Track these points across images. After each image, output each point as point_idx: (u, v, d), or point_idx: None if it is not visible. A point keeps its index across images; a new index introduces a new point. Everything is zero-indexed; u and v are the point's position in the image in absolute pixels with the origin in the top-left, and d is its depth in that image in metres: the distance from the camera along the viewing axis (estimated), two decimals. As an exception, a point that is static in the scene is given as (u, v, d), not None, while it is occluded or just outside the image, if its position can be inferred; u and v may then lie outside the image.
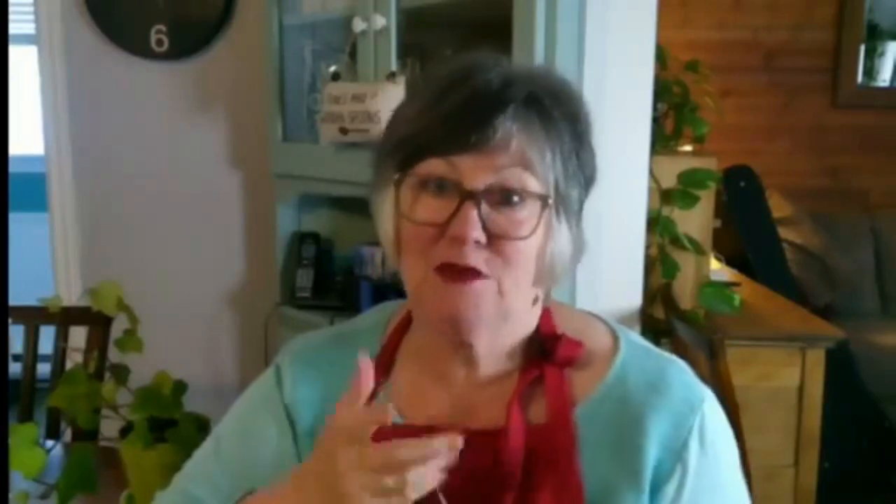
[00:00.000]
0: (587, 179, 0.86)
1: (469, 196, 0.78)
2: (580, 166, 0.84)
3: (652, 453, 0.81)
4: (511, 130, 0.78)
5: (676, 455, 0.81)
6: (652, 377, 0.84)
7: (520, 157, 0.79)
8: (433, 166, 0.80)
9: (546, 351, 0.86)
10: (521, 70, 0.84)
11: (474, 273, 0.79)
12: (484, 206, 0.79)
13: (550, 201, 0.80)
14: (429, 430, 0.83)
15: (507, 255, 0.80)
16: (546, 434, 0.82)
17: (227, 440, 0.96)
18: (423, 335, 0.90)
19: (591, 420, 0.83)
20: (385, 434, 0.84)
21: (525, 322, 0.87)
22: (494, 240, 0.79)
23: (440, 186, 0.80)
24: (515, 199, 0.79)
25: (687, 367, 0.87)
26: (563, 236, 0.82)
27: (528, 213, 0.80)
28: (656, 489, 0.81)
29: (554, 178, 0.81)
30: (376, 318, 0.98)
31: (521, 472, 0.81)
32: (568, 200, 0.82)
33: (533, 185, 0.80)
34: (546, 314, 0.89)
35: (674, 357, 0.88)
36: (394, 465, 0.73)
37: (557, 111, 0.81)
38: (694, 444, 0.81)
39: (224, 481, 0.92)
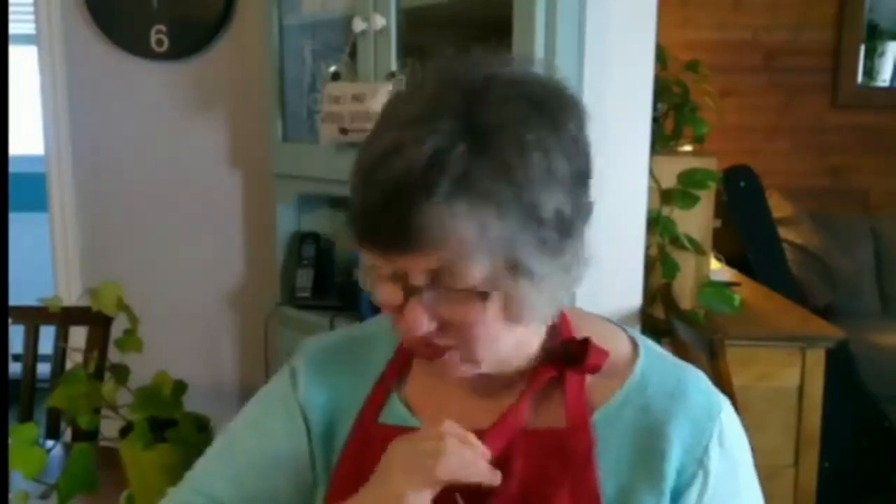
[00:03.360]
0: (557, 215, 0.75)
1: (412, 291, 0.76)
2: (534, 215, 0.73)
3: (674, 459, 0.81)
4: (433, 230, 0.71)
5: (698, 461, 0.81)
6: (671, 385, 0.84)
7: (453, 248, 0.72)
8: (376, 258, 0.77)
9: (570, 355, 0.85)
10: (468, 124, 0.73)
11: (440, 348, 0.80)
12: (429, 296, 0.76)
13: (490, 291, 0.75)
14: None
15: (464, 335, 0.78)
16: (564, 438, 0.82)
17: (241, 438, 0.95)
18: None
19: (610, 426, 0.83)
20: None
21: (523, 348, 0.85)
22: (447, 324, 0.78)
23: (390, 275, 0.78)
24: (460, 293, 0.75)
25: (704, 376, 0.87)
26: (528, 293, 0.76)
27: (473, 302, 0.76)
28: (678, 495, 0.81)
29: (503, 251, 0.73)
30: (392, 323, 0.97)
31: (505, 474, 0.80)
32: (528, 259, 0.74)
33: (473, 273, 0.73)
34: (562, 317, 0.88)
35: (690, 366, 0.89)
36: (435, 434, 0.78)
37: (497, 174, 0.72)
38: (714, 450, 0.82)
39: (238, 478, 0.92)
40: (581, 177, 0.78)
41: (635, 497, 0.81)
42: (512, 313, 0.77)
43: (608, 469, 0.81)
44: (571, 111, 0.78)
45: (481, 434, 0.81)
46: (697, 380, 0.86)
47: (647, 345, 0.90)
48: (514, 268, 0.74)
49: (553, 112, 0.76)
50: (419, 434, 0.80)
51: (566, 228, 0.76)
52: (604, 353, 0.84)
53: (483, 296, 0.75)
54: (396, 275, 0.76)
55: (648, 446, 0.82)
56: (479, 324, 0.77)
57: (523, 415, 0.84)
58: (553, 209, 0.74)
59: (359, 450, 0.88)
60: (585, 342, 0.84)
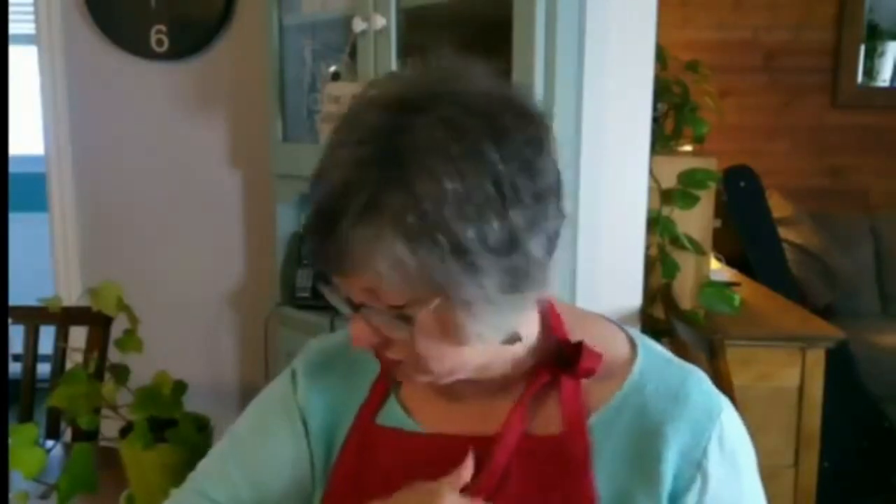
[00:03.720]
0: (482, 241, 0.72)
1: (355, 308, 0.77)
2: (452, 245, 0.71)
3: (671, 462, 0.79)
4: (352, 254, 0.72)
5: (696, 464, 0.80)
6: (670, 386, 0.83)
7: (371, 273, 0.73)
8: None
9: (564, 359, 0.83)
10: (387, 151, 0.72)
11: (393, 360, 0.81)
12: (367, 313, 0.77)
13: (416, 313, 0.74)
14: (444, 439, 0.84)
15: (409, 352, 0.78)
16: (560, 443, 0.81)
17: (243, 440, 0.95)
18: None
19: (608, 429, 0.82)
20: (402, 443, 0.84)
21: (494, 361, 0.83)
22: (389, 340, 0.78)
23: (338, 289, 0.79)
24: (389, 313, 0.76)
25: (705, 377, 0.86)
26: (461, 317, 0.75)
27: (401, 320, 0.76)
28: (675, 499, 0.80)
29: (423, 279, 0.72)
30: None
31: (502, 480, 0.81)
32: (455, 287, 0.72)
33: (395, 296, 0.74)
34: (556, 319, 0.87)
35: (692, 367, 0.87)
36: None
37: (405, 204, 0.71)
38: (714, 453, 0.80)
39: (241, 481, 0.92)
40: (526, 197, 0.74)
41: (632, 501, 0.80)
42: (449, 336, 0.76)
43: (606, 473, 0.80)
44: (514, 133, 0.74)
45: (488, 442, 0.81)
46: (698, 381, 0.85)
47: (647, 344, 0.88)
48: (440, 294, 0.73)
49: (477, 141, 0.72)
50: (416, 491, 0.79)
51: (501, 252, 0.73)
52: (597, 357, 0.83)
53: (408, 319, 0.75)
54: (342, 289, 0.78)
55: (645, 449, 0.80)
56: (418, 344, 0.77)
57: (521, 420, 0.83)
58: (475, 237, 0.71)
59: (356, 450, 0.88)
60: (579, 345, 0.83)
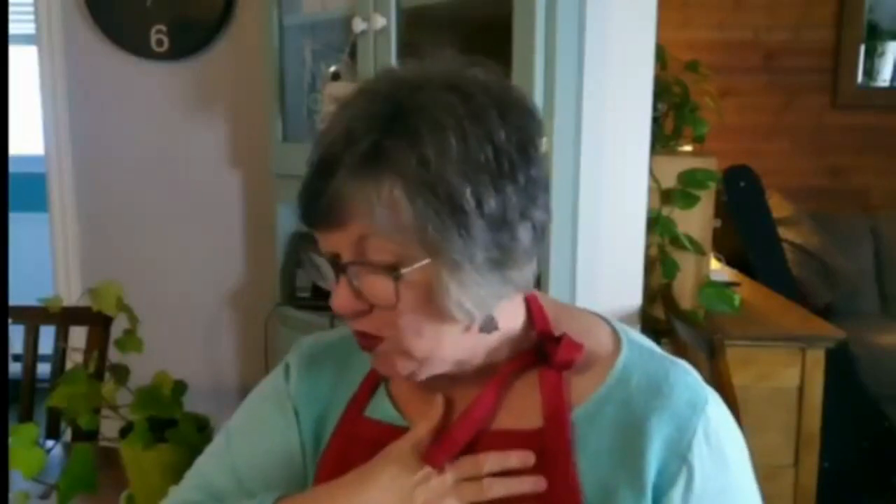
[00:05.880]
0: (479, 206, 0.73)
1: (341, 270, 0.77)
2: (449, 200, 0.72)
3: (655, 456, 0.78)
4: (348, 202, 0.73)
5: (681, 457, 0.78)
6: (654, 379, 0.82)
7: (366, 221, 0.73)
8: (317, 238, 0.79)
9: (544, 352, 0.83)
10: (393, 107, 0.74)
11: (372, 337, 0.81)
12: (352, 271, 0.77)
13: (404, 270, 0.74)
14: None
15: (389, 320, 0.78)
16: (542, 437, 0.81)
17: (238, 431, 0.96)
18: None
19: (591, 422, 0.81)
20: (388, 436, 0.85)
21: (465, 348, 0.82)
22: (371, 307, 0.78)
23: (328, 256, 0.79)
24: (377, 268, 0.76)
25: (691, 369, 0.85)
26: (446, 283, 0.75)
27: (389, 281, 0.75)
28: (661, 494, 0.79)
29: (417, 232, 0.73)
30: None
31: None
32: (446, 247, 0.73)
33: (386, 249, 0.74)
34: (540, 313, 0.87)
35: (677, 359, 0.86)
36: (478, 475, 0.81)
37: (406, 150, 0.72)
38: (699, 446, 0.79)
39: (241, 465, 0.93)
40: (521, 177, 0.75)
41: (617, 495, 0.78)
42: (431, 304, 0.76)
43: (589, 466, 0.80)
44: (516, 114, 0.77)
45: (446, 430, 0.83)
46: (683, 373, 0.83)
47: (632, 337, 0.88)
48: (431, 253, 0.74)
49: (483, 107, 0.75)
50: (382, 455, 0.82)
51: (493, 224, 0.74)
52: (577, 348, 0.82)
53: (396, 275, 0.75)
54: (330, 254, 0.78)
55: (629, 442, 0.79)
56: (400, 311, 0.76)
57: (487, 408, 0.83)
58: (473, 198, 0.72)
59: (343, 441, 0.90)
60: (560, 339, 0.83)
